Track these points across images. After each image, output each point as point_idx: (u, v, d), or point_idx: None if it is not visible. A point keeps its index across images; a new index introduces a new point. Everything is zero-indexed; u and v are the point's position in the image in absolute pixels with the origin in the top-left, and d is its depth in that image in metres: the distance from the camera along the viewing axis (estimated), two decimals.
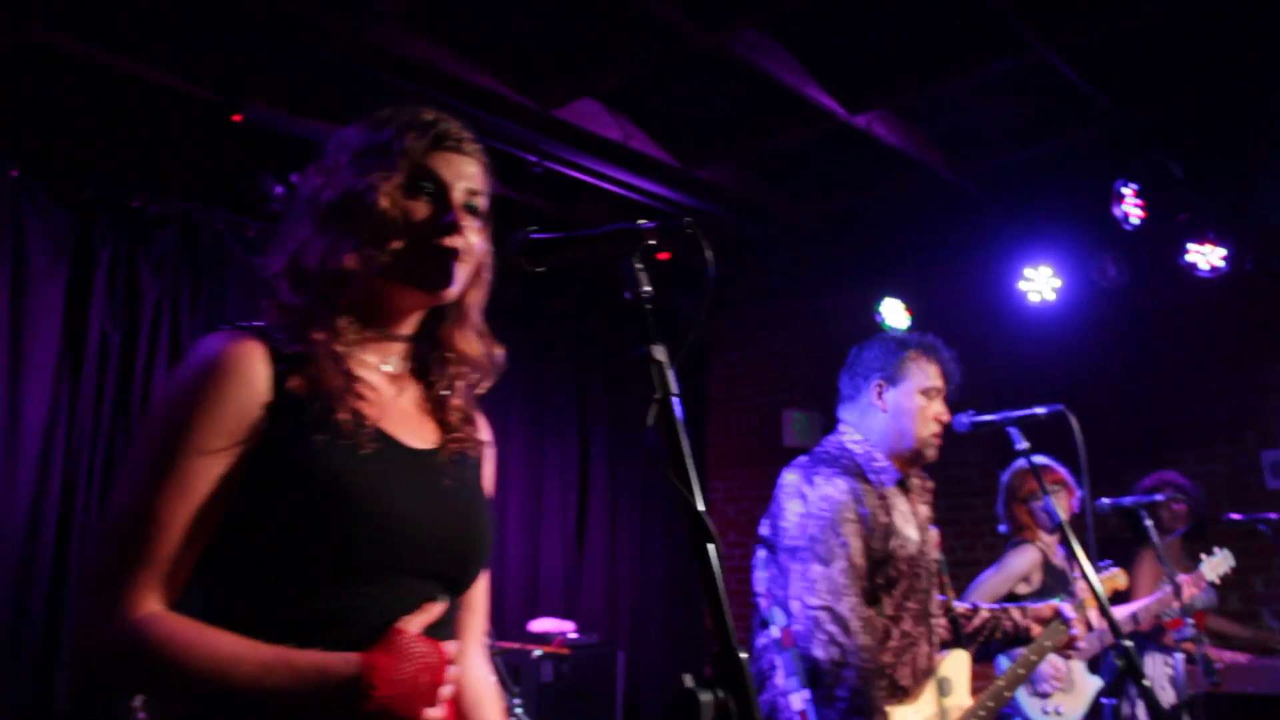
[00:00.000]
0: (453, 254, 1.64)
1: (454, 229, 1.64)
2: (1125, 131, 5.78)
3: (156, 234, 5.88)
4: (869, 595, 3.00)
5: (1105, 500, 4.32)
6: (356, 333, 1.65)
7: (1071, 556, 3.09)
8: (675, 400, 1.42)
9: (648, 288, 1.51)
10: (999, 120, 5.99)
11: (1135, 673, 2.76)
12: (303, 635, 1.45)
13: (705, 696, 1.24)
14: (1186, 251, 6.35)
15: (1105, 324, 6.83)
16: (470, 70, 5.22)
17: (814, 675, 2.87)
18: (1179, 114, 5.66)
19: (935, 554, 3.23)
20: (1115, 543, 5.17)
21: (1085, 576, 2.98)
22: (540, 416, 7.71)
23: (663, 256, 7.01)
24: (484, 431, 1.82)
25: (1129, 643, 2.80)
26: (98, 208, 5.64)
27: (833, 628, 2.86)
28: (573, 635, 6.41)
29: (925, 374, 3.23)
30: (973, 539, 7.11)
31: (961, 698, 3.22)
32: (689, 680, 1.25)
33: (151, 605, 1.44)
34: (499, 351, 1.79)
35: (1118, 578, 4.02)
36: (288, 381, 1.54)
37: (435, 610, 1.55)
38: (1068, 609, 3.43)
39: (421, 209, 1.64)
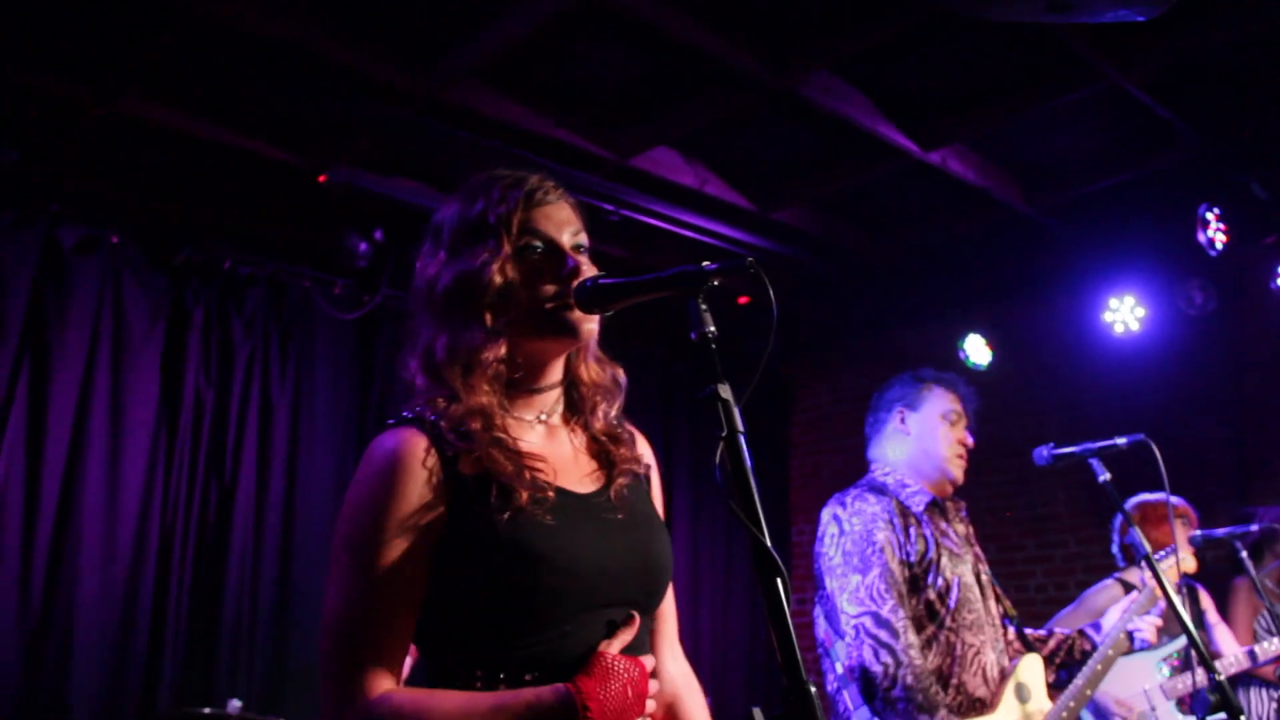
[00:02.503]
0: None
1: (576, 274, 1.70)
2: (1205, 155, 5.67)
3: (247, 294, 6.06)
4: (925, 608, 3.08)
5: (1198, 532, 4.21)
6: (509, 400, 1.73)
7: (1162, 589, 3.03)
8: (741, 437, 1.44)
9: (712, 328, 1.53)
10: (1075, 150, 5.92)
11: (1231, 709, 2.69)
12: (518, 677, 1.58)
13: None
14: (1277, 275, 6.20)
15: (1193, 352, 6.66)
16: (546, 124, 5.32)
17: (868, 687, 2.90)
18: (1259, 134, 5.54)
19: (983, 568, 3.34)
20: (1210, 576, 5.04)
21: (1173, 608, 2.92)
22: None
23: (743, 301, 7.05)
24: (641, 447, 1.90)
25: (1222, 677, 2.73)
26: (191, 270, 5.85)
27: (878, 631, 2.93)
28: None
29: (943, 400, 3.40)
30: (1064, 575, 6.96)
31: (1040, 702, 3.24)
32: (759, 715, 1.27)
33: (382, 685, 1.57)
34: (619, 372, 1.89)
35: (1186, 561, 3.77)
36: (459, 466, 1.63)
37: (631, 631, 1.65)
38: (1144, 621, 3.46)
39: (536, 269, 1.71)
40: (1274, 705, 4.72)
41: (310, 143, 5.39)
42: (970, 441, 3.40)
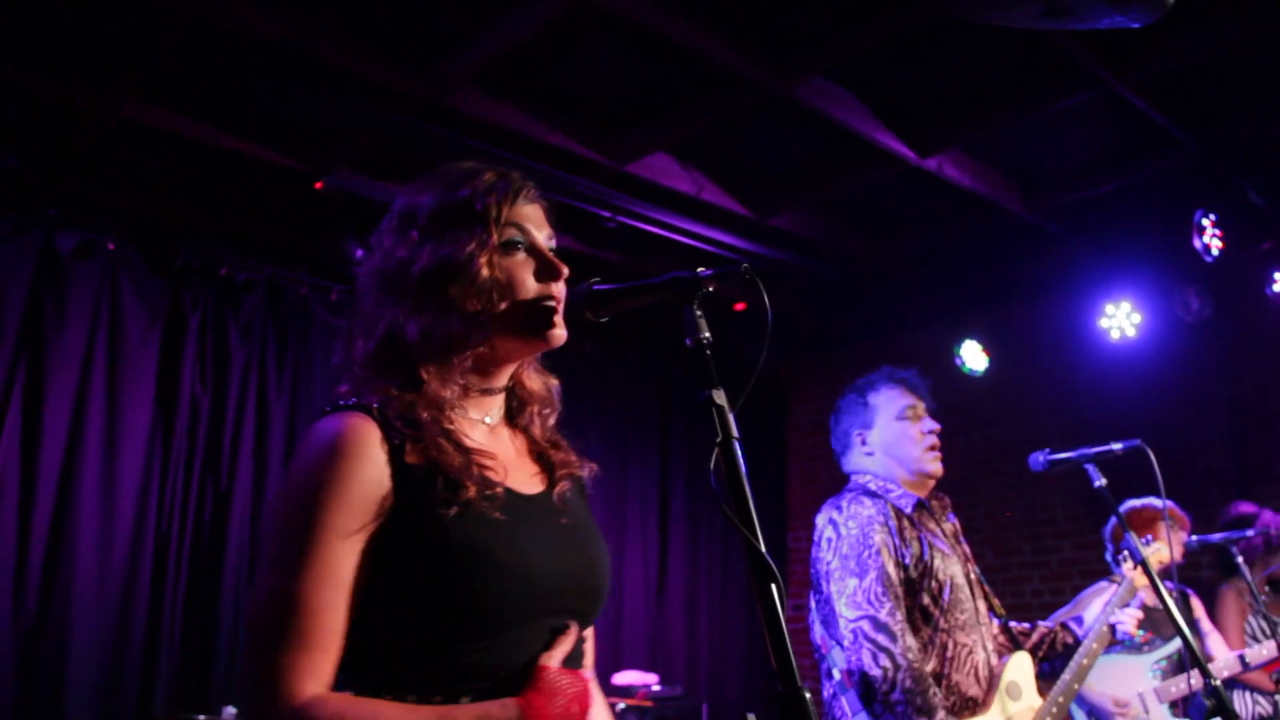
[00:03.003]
0: (558, 301, 1.69)
1: (558, 275, 1.69)
2: (1202, 161, 5.68)
3: (244, 299, 6.07)
4: (920, 612, 3.09)
5: (1194, 537, 4.21)
6: (460, 395, 1.67)
7: (1157, 592, 3.04)
8: (736, 443, 1.44)
9: (707, 333, 1.53)
10: (1071, 156, 5.93)
11: (1227, 714, 2.69)
12: (455, 689, 1.50)
13: None
14: (1274, 281, 6.21)
15: (1190, 358, 6.68)
16: (544, 130, 5.32)
17: (868, 691, 2.90)
18: (1256, 141, 5.55)
19: (971, 567, 3.34)
20: (1197, 583, 5.06)
21: (1168, 610, 2.92)
22: (622, 469, 7.70)
23: (739, 307, 7.04)
24: (574, 455, 1.86)
25: (1218, 682, 2.72)
26: (188, 275, 5.86)
27: (877, 634, 2.94)
28: (656, 688, 6.39)
29: (891, 400, 3.40)
30: (1060, 581, 6.96)
31: (1031, 699, 3.26)
32: (752, 719, 1.27)
33: (313, 688, 1.44)
34: (554, 383, 1.85)
35: (1161, 551, 3.83)
36: (405, 456, 1.55)
37: (570, 640, 1.59)
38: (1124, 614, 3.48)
39: (521, 266, 1.68)
40: (1262, 713, 4.72)
41: (308, 147, 5.39)
42: (936, 427, 3.37)
